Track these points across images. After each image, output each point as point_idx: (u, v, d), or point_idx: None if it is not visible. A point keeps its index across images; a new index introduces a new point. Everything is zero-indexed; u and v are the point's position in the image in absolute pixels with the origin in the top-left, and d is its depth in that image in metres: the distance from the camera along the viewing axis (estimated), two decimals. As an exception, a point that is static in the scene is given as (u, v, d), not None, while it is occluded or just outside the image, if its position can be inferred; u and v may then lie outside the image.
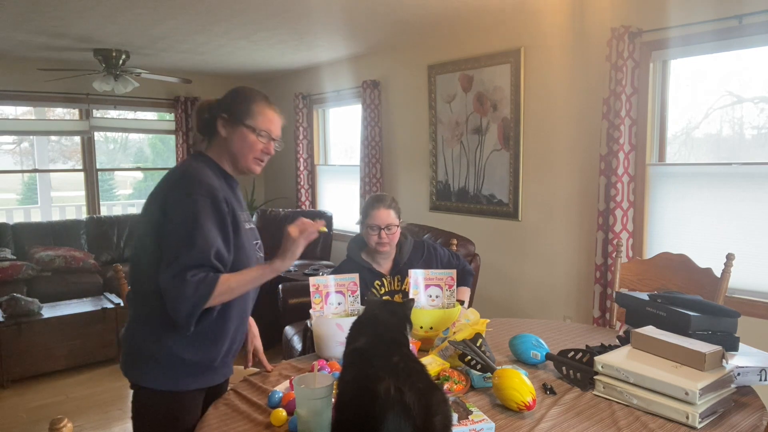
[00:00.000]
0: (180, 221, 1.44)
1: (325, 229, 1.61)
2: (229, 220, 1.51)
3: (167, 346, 1.50)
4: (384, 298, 2.29)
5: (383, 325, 1.29)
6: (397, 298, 2.29)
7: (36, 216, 7.53)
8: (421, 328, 1.95)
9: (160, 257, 1.45)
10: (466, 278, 2.43)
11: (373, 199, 2.37)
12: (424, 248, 2.43)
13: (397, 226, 2.31)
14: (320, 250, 5.37)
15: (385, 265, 2.38)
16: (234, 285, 1.47)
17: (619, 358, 1.58)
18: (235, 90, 1.64)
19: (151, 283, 1.47)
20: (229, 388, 1.74)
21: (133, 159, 10.26)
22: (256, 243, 1.68)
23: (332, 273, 2.42)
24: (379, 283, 2.34)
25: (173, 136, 6.37)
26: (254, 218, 5.70)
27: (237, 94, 1.62)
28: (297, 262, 4.86)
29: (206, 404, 1.62)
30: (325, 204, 6.11)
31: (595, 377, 1.60)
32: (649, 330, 1.67)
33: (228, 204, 1.52)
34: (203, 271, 1.42)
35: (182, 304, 1.40)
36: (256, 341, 1.85)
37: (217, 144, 1.62)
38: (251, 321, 1.84)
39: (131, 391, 1.59)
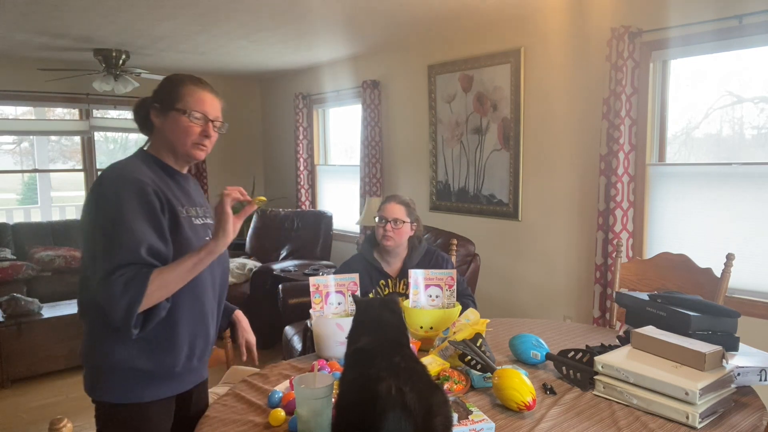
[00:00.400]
0: (103, 220, 1.36)
1: (264, 198, 1.52)
2: (162, 214, 1.42)
3: (119, 356, 1.42)
4: None
5: (386, 325, 1.29)
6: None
7: (36, 216, 7.54)
8: (421, 328, 1.95)
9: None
10: (467, 305, 2.41)
11: (388, 195, 2.44)
12: (435, 258, 2.41)
13: (405, 223, 2.33)
14: (320, 250, 5.38)
15: (393, 266, 2.39)
16: (169, 278, 1.35)
17: (619, 358, 1.58)
18: (165, 78, 1.57)
19: (91, 292, 1.41)
20: (229, 388, 1.73)
21: (133, 159, 10.22)
22: (208, 236, 1.58)
23: (340, 267, 2.43)
24: (384, 283, 2.35)
25: (173, 136, 6.36)
26: (254, 218, 5.70)
27: (166, 80, 1.56)
28: (297, 262, 4.86)
29: (179, 412, 1.57)
30: (325, 204, 6.11)
31: (595, 377, 1.60)
32: (649, 330, 1.67)
33: (161, 197, 1.42)
34: (134, 269, 1.32)
35: (114, 307, 1.31)
36: (247, 335, 1.79)
37: (155, 137, 1.55)
38: (240, 315, 1.80)
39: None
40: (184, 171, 1.60)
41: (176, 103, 1.50)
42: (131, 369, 1.44)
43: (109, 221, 1.35)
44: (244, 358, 1.79)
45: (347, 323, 1.40)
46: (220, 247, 1.41)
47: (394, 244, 2.33)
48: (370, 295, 2.32)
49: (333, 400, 1.31)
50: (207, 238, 1.54)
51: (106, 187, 1.40)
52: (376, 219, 2.35)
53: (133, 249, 1.34)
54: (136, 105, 1.60)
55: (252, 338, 1.80)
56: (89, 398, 1.51)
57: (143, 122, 1.58)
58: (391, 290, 2.36)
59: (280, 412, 1.44)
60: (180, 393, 1.56)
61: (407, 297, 2.26)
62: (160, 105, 1.52)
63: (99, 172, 1.52)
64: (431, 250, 2.44)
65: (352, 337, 1.28)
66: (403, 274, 2.34)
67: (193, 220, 1.55)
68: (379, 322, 1.29)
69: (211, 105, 1.54)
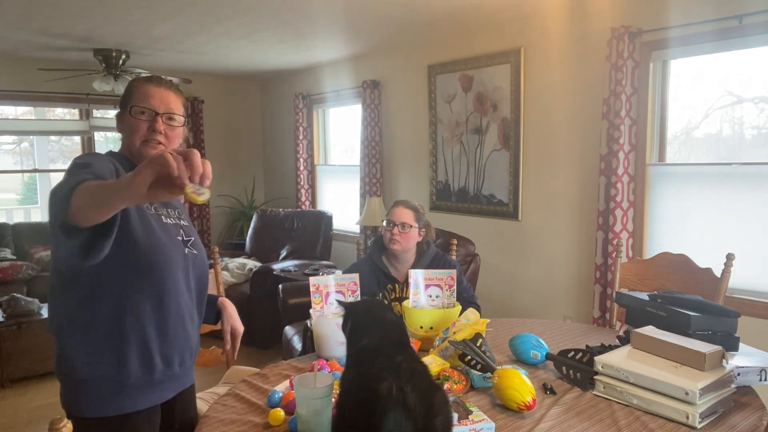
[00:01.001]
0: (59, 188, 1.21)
1: (202, 200, 1.07)
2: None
3: (93, 367, 1.36)
4: (393, 304, 2.30)
5: (388, 325, 1.29)
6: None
7: (36, 216, 7.53)
8: (421, 328, 1.95)
9: (62, 274, 1.34)
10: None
11: (397, 200, 2.43)
12: (443, 263, 2.39)
13: (413, 228, 2.32)
14: (320, 250, 5.38)
15: (401, 271, 2.38)
16: (91, 188, 1.10)
17: (619, 358, 1.58)
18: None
19: (62, 306, 1.37)
20: (229, 388, 1.73)
21: (133, 159, 10.22)
22: (188, 239, 1.53)
23: (348, 270, 2.43)
24: (391, 288, 2.35)
25: (173, 136, 6.36)
26: (254, 219, 5.71)
27: (125, 88, 1.52)
28: (297, 262, 4.87)
29: (170, 422, 1.53)
30: (325, 204, 6.11)
31: (595, 377, 1.60)
32: (649, 330, 1.67)
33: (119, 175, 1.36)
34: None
35: (51, 208, 1.18)
36: (234, 322, 1.70)
37: (122, 141, 1.52)
38: (225, 302, 1.73)
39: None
40: None
41: (126, 105, 1.47)
42: (107, 380, 1.37)
43: (67, 173, 1.27)
44: (228, 346, 1.70)
45: (347, 323, 1.40)
46: (131, 187, 1.01)
47: (401, 249, 2.32)
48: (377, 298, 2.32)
49: (333, 400, 1.32)
50: (179, 238, 1.50)
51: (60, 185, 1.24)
52: (384, 223, 2.35)
53: (88, 173, 1.23)
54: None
55: (239, 327, 1.71)
56: None
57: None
58: (398, 295, 2.35)
59: (280, 412, 1.44)
60: (164, 402, 1.49)
61: None
62: (119, 111, 1.50)
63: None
64: (439, 255, 2.43)
65: (354, 337, 1.27)
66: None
67: (163, 218, 1.49)
68: (381, 322, 1.29)
69: (160, 99, 1.46)
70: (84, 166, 1.28)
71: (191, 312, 1.53)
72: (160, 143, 1.45)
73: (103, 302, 1.36)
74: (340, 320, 1.82)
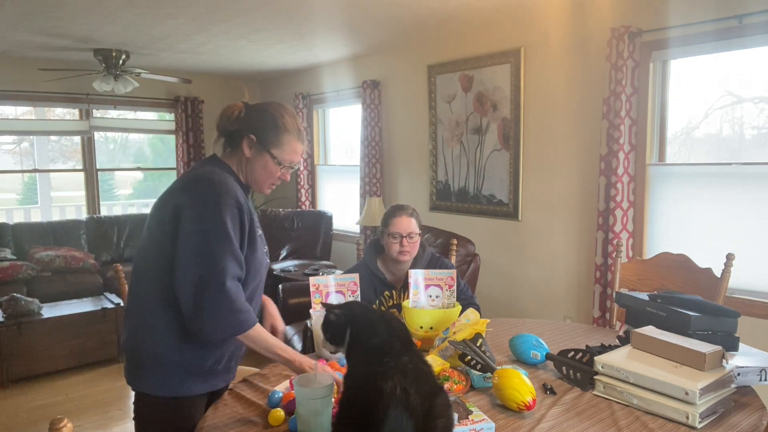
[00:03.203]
0: (210, 228, 1.41)
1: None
2: (247, 233, 1.50)
3: (163, 349, 1.48)
4: (392, 311, 2.29)
5: (395, 325, 1.28)
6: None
7: (36, 216, 7.53)
8: (421, 328, 1.95)
9: (171, 261, 1.43)
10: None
11: (394, 207, 2.37)
12: (439, 264, 2.38)
13: (418, 235, 2.31)
14: (320, 250, 5.38)
15: (398, 276, 2.36)
16: (257, 340, 1.49)
17: (619, 358, 1.58)
18: (267, 112, 1.58)
19: (158, 288, 1.46)
20: (228, 388, 1.73)
21: (133, 159, 10.25)
22: (265, 249, 1.67)
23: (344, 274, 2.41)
24: (389, 294, 2.34)
25: (173, 136, 6.37)
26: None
27: (269, 117, 1.57)
28: (297, 262, 4.87)
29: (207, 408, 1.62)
30: (325, 204, 6.11)
31: (595, 377, 1.60)
32: (649, 330, 1.67)
33: (248, 217, 1.51)
34: (237, 282, 1.44)
35: (213, 313, 1.40)
36: (274, 321, 1.82)
37: (238, 158, 1.59)
38: (267, 300, 1.84)
39: (132, 393, 1.58)
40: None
41: (273, 148, 1.56)
42: (171, 363, 1.49)
43: (215, 232, 1.42)
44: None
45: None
46: (295, 366, 1.50)
47: (410, 258, 2.31)
48: (373, 307, 2.31)
49: (333, 399, 1.32)
50: (264, 249, 1.65)
51: (209, 196, 1.44)
52: (388, 235, 2.29)
53: (235, 265, 1.43)
54: (228, 112, 1.59)
55: (279, 326, 1.82)
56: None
57: (229, 135, 1.61)
58: (395, 302, 2.33)
59: (280, 412, 1.44)
60: (213, 390, 1.61)
61: None
62: (257, 139, 1.56)
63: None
64: (435, 258, 2.41)
65: (361, 337, 1.26)
66: (407, 285, 2.31)
67: (258, 231, 1.61)
68: (388, 322, 1.28)
69: (300, 155, 1.62)
70: (230, 252, 1.43)
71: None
72: (275, 186, 1.64)
73: None
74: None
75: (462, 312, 1.92)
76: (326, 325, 1.34)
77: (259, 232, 1.62)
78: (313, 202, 6.17)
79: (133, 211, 7.47)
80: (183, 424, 1.53)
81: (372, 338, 1.23)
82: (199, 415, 1.56)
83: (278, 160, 1.57)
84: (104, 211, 6.26)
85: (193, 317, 1.40)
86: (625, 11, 3.28)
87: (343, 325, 1.29)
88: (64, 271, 5.00)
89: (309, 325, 2.59)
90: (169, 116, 6.37)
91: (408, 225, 2.28)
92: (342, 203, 5.81)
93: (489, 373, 1.60)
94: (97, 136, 6.20)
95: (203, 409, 1.59)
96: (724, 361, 1.50)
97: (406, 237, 2.27)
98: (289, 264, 4.76)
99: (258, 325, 1.47)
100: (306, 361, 1.50)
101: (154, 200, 1.58)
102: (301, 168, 6.04)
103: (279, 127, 1.56)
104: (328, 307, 1.36)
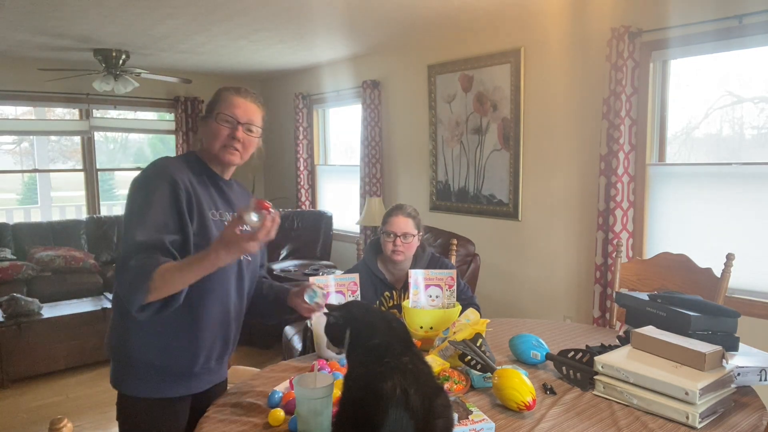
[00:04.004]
0: (135, 204, 1.44)
1: (321, 302, 1.60)
2: (189, 212, 1.46)
3: (140, 352, 1.50)
4: (392, 311, 2.29)
5: (395, 325, 1.28)
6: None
7: (36, 216, 7.54)
8: (421, 328, 1.95)
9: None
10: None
11: (394, 207, 2.37)
12: (439, 265, 2.36)
13: (414, 237, 2.30)
14: (320, 250, 5.38)
15: (398, 276, 2.36)
16: (171, 277, 1.33)
17: (619, 358, 1.58)
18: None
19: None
20: (228, 388, 1.73)
21: (133, 159, 10.25)
22: None
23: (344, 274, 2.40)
24: (389, 295, 2.34)
25: (173, 136, 6.37)
26: (254, 219, 5.69)
27: (213, 94, 1.63)
28: (297, 262, 4.86)
29: (196, 411, 1.58)
30: (325, 204, 6.11)
31: (595, 377, 1.60)
32: (649, 330, 1.67)
33: (191, 196, 1.48)
34: (153, 253, 1.36)
35: (123, 290, 1.38)
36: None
37: (202, 144, 1.63)
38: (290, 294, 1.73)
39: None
40: (227, 177, 1.65)
41: (213, 111, 1.57)
42: (150, 365, 1.51)
43: (139, 205, 1.43)
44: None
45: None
46: (221, 259, 1.32)
47: (404, 258, 2.30)
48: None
49: (333, 399, 1.32)
50: None
51: (142, 177, 1.48)
52: (383, 233, 2.30)
53: (155, 234, 1.39)
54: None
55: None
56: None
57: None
58: (395, 302, 2.33)
59: (280, 412, 1.44)
60: (197, 393, 1.60)
61: None
62: (203, 116, 1.62)
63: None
64: (435, 258, 2.41)
65: (361, 336, 1.26)
66: (407, 286, 2.31)
67: (224, 223, 1.56)
68: (388, 322, 1.28)
69: (244, 110, 1.56)
70: (142, 219, 1.39)
71: (239, 312, 1.65)
72: (237, 150, 1.56)
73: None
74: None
75: (462, 312, 1.92)
76: (327, 327, 1.35)
77: (220, 217, 1.57)
78: (313, 202, 6.17)
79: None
80: (164, 427, 1.54)
81: (372, 338, 1.22)
82: (182, 417, 1.57)
83: (216, 115, 1.54)
84: (104, 211, 6.26)
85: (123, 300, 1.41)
86: (625, 11, 3.28)
87: (342, 326, 1.30)
88: (64, 271, 4.99)
89: (309, 325, 2.59)
90: (169, 116, 6.37)
91: (403, 225, 2.28)
92: (342, 203, 5.81)
93: (489, 373, 1.60)
94: (97, 136, 6.20)
95: (186, 411, 1.59)
96: (724, 361, 1.50)
97: (400, 237, 2.26)
98: (289, 264, 4.76)
99: (161, 266, 1.32)
100: (222, 240, 1.30)
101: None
102: (301, 168, 6.04)
103: (217, 93, 1.61)
104: (328, 308, 1.36)
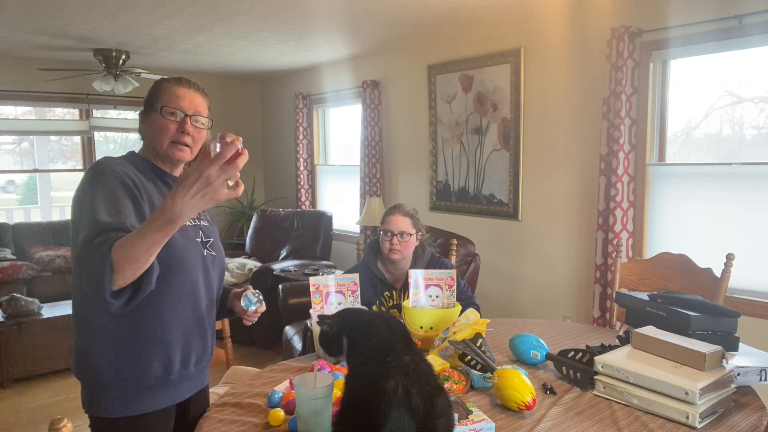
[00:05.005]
0: (84, 204, 1.28)
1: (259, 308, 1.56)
2: (140, 199, 1.36)
3: (111, 368, 1.37)
4: (392, 311, 2.29)
5: (396, 325, 1.28)
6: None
7: (36, 216, 7.52)
8: (421, 328, 1.95)
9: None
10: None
11: (392, 206, 2.38)
12: (439, 265, 2.37)
13: (412, 236, 2.30)
14: (320, 250, 5.37)
15: (397, 276, 2.37)
16: (128, 244, 1.13)
17: (619, 358, 1.58)
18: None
19: (75, 296, 1.39)
20: (228, 388, 1.73)
21: (133, 159, 10.23)
22: (208, 241, 1.55)
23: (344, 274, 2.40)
24: (389, 295, 2.34)
25: (173, 136, 6.36)
26: (254, 219, 5.70)
27: (150, 87, 1.51)
28: (297, 262, 4.86)
29: (183, 420, 1.54)
30: (325, 204, 6.11)
31: (595, 377, 1.60)
32: (649, 330, 1.67)
33: (140, 189, 1.38)
34: (113, 234, 1.18)
35: (87, 281, 1.18)
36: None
37: (144, 142, 1.52)
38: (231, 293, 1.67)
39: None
40: (176, 173, 1.53)
41: (154, 104, 1.46)
42: (124, 381, 1.39)
43: (88, 204, 1.27)
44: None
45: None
46: (170, 205, 1.08)
47: (402, 257, 2.31)
48: (374, 308, 2.31)
49: (333, 399, 1.31)
50: (198, 240, 1.51)
51: (87, 178, 1.35)
52: (381, 232, 2.32)
53: (114, 215, 1.25)
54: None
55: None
56: None
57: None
58: (395, 302, 2.33)
59: (280, 412, 1.44)
60: (179, 402, 1.51)
61: None
62: (143, 110, 1.50)
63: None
64: (435, 258, 2.41)
65: (362, 337, 1.25)
66: (407, 285, 2.31)
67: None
68: (387, 321, 1.28)
69: (190, 101, 1.46)
70: (96, 208, 1.25)
71: (209, 312, 1.55)
72: (187, 145, 1.46)
73: (124, 316, 1.35)
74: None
75: (462, 312, 1.92)
76: (322, 337, 1.30)
77: (187, 222, 1.47)
78: (313, 202, 6.17)
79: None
80: None
81: (371, 338, 1.22)
82: (165, 430, 1.47)
83: (160, 109, 1.43)
84: (104, 211, 6.25)
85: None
86: (625, 11, 3.28)
87: (337, 333, 1.28)
88: (64, 271, 5.00)
89: (309, 325, 2.59)
90: (169, 116, 6.36)
91: (401, 224, 2.28)
92: (342, 203, 5.81)
93: (489, 373, 1.60)
94: (97, 136, 6.21)
95: (171, 423, 1.50)
96: (724, 361, 1.50)
97: (397, 235, 2.27)
98: (289, 264, 4.76)
99: (116, 242, 1.14)
100: (180, 179, 1.10)
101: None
102: (301, 168, 6.04)
103: (154, 86, 1.50)
104: (320, 318, 1.31)
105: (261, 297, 1.61)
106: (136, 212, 1.32)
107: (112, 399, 1.39)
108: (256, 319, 1.64)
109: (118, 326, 1.37)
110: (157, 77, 5.21)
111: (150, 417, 1.43)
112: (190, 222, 1.53)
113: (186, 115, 1.44)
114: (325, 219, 5.48)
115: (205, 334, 1.53)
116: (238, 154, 1.09)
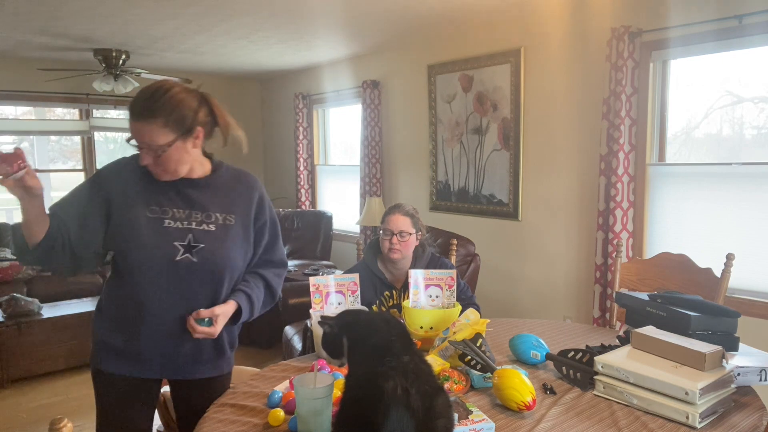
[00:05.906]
0: None
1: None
2: (108, 206, 1.55)
3: (98, 328, 1.65)
4: (392, 311, 2.29)
5: (395, 324, 1.28)
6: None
7: (36, 216, 7.51)
8: (421, 328, 1.95)
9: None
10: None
11: (392, 205, 2.38)
12: (439, 265, 2.36)
13: (411, 235, 2.30)
14: (320, 250, 5.37)
15: (397, 276, 2.36)
16: (29, 229, 1.70)
17: (619, 358, 1.58)
18: None
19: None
20: (229, 388, 1.73)
21: (133, 159, 10.24)
22: (195, 246, 1.53)
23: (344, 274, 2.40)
24: (389, 294, 2.34)
25: (173, 136, 6.37)
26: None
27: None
28: (297, 262, 4.86)
29: (185, 407, 1.70)
30: (325, 204, 6.11)
31: (595, 377, 1.60)
32: (649, 330, 1.67)
33: (115, 191, 1.55)
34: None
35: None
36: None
37: None
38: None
39: None
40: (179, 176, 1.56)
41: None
42: (103, 341, 1.62)
43: None
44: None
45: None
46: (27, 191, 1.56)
47: (401, 257, 2.30)
48: (374, 308, 2.31)
49: (333, 399, 1.31)
50: (177, 243, 1.52)
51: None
52: (381, 231, 2.31)
53: (57, 206, 1.65)
54: None
55: (217, 311, 1.55)
56: (89, 398, 1.56)
57: None
58: (395, 301, 2.33)
59: (280, 412, 1.44)
60: (154, 378, 1.64)
61: None
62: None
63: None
64: (435, 258, 2.41)
65: (361, 337, 1.26)
66: (407, 285, 2.31)
67: (165, 221, 1.53)
68: (386, 321, 1.28)
69: (138, 132, 1.49)
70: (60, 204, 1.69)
71: (177, 319, 1.54)
72: (158, 172, 1.54)
73: (110, 289, 1.64)
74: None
75: (462, 312, 1.92)
76: (324, 339, 1.31)
77: (171, 224, 1.53)
78: (313, 202, 6.17)
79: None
80: (99, 399, 1.67)
81: (371, 338, 1.22)
82: (112, 395, 1.62)
83: (130, 141, 1.53)
84: (104, 211, 6.25)
85: None
86: (625, 11, 3.28)
87: (338, 334, 1.28)
88: (64, 271, 4.99)
89: (309, 325, 2.59)
90: (169, 116, 6.36)
91: (400, 223, 2.28)
92: (342, 203, 5.81)
93: (489, 373, 1.60)
94: (97, 136, 6.20)
95: (150, 398, 1.66)
96: (724, 361, 1.50)
97: (396, 235, 2.27)
98: (289, 264, 4.76)
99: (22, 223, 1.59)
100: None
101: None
102: (301, 168, 6.04)
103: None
104: (322, 319, 1.31)
105: (212, 323, 1.54)
106: (87, 202, 1.59)
107: (95, 353, 1.66)
108: (201, 335, 1.55)
109: (107, 303, 1.65)
110: (158, 77, 5.18)
111: (103, 375, 1.63)
112: (180, 224, 1.54)
113: (143, 148, 1.51)
114: (325, 219, 5.48)
115: (170, 340, 1.57)
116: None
